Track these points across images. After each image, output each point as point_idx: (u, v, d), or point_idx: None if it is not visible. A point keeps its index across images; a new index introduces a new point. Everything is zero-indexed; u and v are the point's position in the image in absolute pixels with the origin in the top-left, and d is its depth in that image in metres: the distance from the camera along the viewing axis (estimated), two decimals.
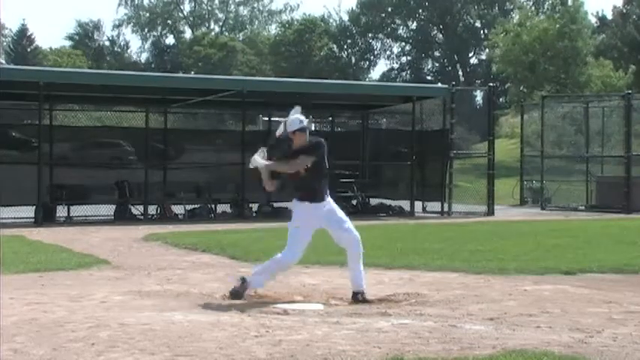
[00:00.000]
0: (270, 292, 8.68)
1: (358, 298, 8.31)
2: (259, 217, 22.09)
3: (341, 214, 8.45)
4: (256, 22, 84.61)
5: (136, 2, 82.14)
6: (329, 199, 8.41)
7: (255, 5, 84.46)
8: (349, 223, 8.43)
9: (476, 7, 72.28)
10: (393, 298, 8.44)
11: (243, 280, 8.38)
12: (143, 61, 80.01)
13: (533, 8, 54.66)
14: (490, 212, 23.23)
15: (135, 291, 8.93)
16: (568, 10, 46.13)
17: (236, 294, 8.33)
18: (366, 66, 76.23)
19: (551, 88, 42.82)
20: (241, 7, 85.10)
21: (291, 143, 8.34)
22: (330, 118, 28.21)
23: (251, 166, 8.42)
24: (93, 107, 27.77)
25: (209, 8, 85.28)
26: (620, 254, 12.19)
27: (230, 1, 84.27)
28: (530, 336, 6.49)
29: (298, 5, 79.01)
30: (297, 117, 8.30)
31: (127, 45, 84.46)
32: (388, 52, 76.61)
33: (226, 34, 79.56)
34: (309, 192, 8.32)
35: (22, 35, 73.88)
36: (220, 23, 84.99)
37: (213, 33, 77.62)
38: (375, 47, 75.76)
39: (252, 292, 8.44)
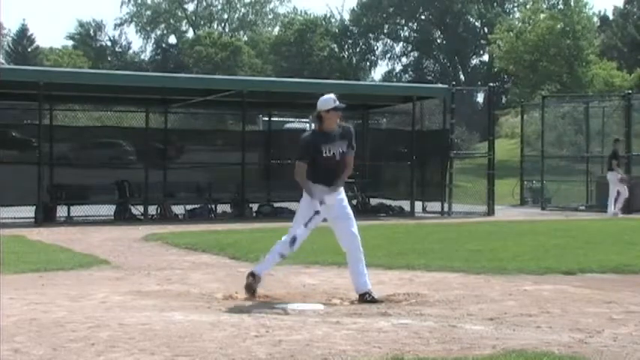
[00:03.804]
0: (270, 292, 8.69)
1: (366, 298, 8.29)
2: (259, 217, 22.08)
3: (349, 211, 8.46)
4: (260, 23, 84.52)
5: (139, 0, 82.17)
6: (338, 194, 8.42)
7: (259, 8, 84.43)
8: (353, 224, 8.43)
9: (477, 6, 72.22)
10: (393, 298, 8.43)
11: (252, 274, 8.45)
12: (146, 60, 79.99)
13: (531, 5, 54.56)
14: (490, 212, 23.22)
15: (135, 291, 8.93)
16: (572, 8, 45.98)
17: (249, 288, 8.41)
18: (367, 67, 76.20)
19: (552, 87, 42.76)
20: (247, 8, 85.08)
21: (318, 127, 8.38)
22: None
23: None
24: (93, 107, 27.76)
25: (214, 8, 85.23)
26: (620, 254, 12.16)
27: (236, 2, 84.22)
28: (530, 336, 6.48)
29: (306, 12, 78.86)
30: (330, 96, 8.38)
31: (128, 45, 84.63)
32: (389, 54, 76.73)
33: (229, 34, 79.48)
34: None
35: (23, 35, 73.91)
36: (223, 24, 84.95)
37: (216, 33, 77.56)
38: (375, 48, 75.74)
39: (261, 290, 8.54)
